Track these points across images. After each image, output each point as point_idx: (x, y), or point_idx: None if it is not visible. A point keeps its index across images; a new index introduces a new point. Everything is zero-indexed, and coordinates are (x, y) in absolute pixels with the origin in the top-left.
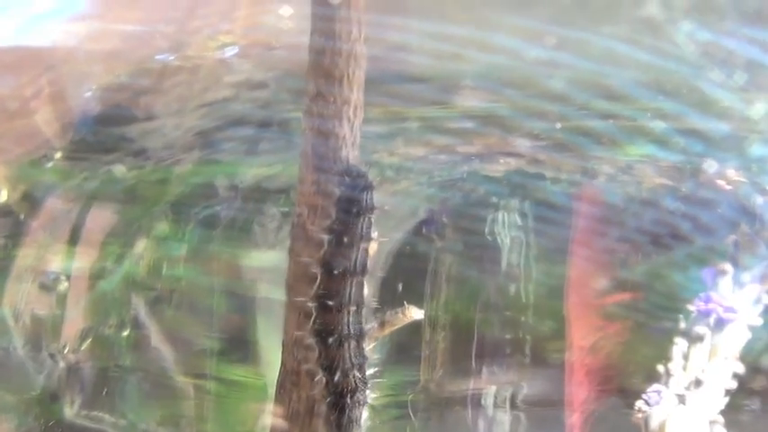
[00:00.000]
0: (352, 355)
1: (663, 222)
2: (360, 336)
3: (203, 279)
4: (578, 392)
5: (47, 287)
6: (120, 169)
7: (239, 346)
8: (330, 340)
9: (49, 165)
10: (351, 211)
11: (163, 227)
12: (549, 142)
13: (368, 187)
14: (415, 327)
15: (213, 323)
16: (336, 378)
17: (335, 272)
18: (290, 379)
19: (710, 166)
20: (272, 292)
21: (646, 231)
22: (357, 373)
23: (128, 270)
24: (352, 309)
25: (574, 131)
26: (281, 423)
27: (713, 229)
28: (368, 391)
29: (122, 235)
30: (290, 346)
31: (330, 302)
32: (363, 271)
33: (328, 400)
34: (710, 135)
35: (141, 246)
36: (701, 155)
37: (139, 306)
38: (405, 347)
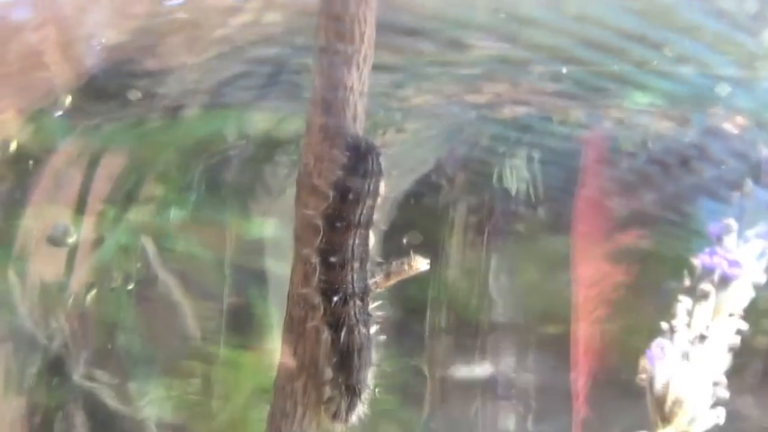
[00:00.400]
0: (357, 312)
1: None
2: (364, 292)
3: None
4: (585, 346)
5: (56, 240)
6: (134, 93)
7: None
8: (335, 298)
9: (59, 114)
10: (357, 176)
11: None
12: (557, 88)
13: (375, 156)
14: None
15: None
16: (342, 335)
17: (339, 225)
18: (296, 329)
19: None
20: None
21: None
22: (363, 329)
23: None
24: (356, 265)
25: (581, 76)
26: (288, 366)
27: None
28: (373, 350)
29: (129, 185)
30: (295, 297)
31: (333, 258)
32: (368, 225)
33: (335, 359)
34: (721, 75)
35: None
36: (709, 96)
37: (151, 256)
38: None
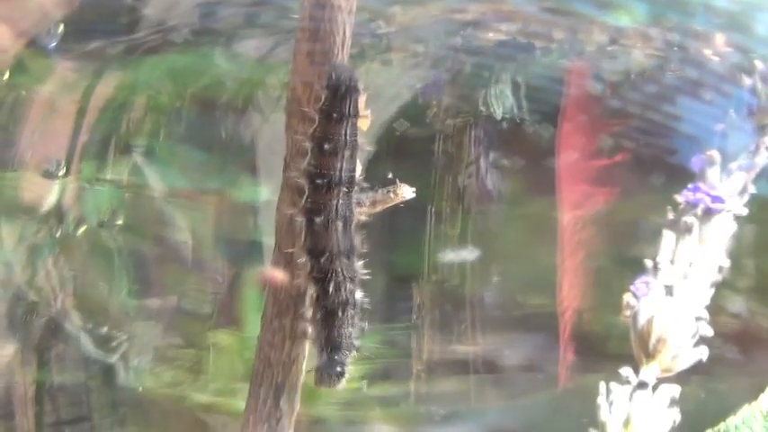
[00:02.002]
0: (344, 269)
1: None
2: (348, 219)
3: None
4: (570, 270)
5: (50, 174)
6: None
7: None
8: (318, 222)
9: (53, 45)
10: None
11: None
12: (540, 6)
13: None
14: None
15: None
16: (329, 290)
17: (326, 146)
18: (283, 259)
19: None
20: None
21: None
22: (350, 286)
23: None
24: (343, 189)
25: None
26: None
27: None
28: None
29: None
30: (283, 225)
31: (320, 181)
32: (353, 147)
33: (319, 315)
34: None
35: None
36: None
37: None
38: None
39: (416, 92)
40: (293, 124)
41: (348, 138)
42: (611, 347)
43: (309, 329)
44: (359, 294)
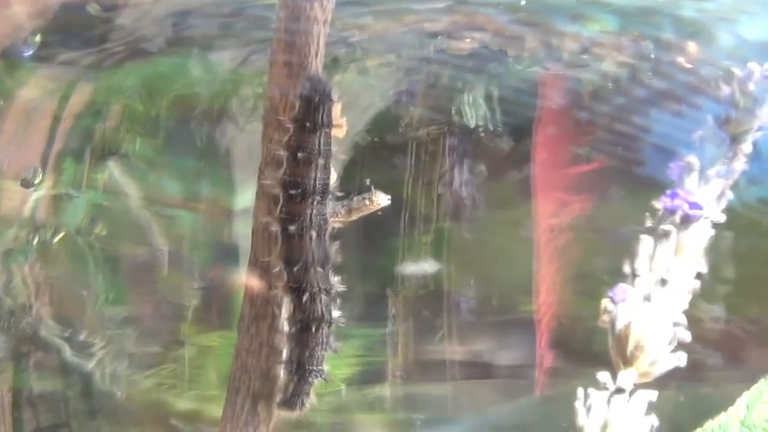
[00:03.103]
0: (319, 280)
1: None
2: (322, 228)
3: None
4: (547, 277)
5: (26, 182)
6: (93, 6)
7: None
8: (293, 231)
9: (29, 53)
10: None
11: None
12: (514, 17)
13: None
14: None
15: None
16: (304, 300)
17: (300, 156)
18: (260, 267)
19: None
20: None
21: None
22: (325, 298)
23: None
24: (317, 198)
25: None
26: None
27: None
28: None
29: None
30: (259, 233)
31: (294, 191)
32: (327, 156)
33: (294, 330)
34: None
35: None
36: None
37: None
38: None
39: (390, 100)
40: (270, 133)
41: (322, 147)
42: (589, 353)
43: (283, 350)
44: (335, 312)
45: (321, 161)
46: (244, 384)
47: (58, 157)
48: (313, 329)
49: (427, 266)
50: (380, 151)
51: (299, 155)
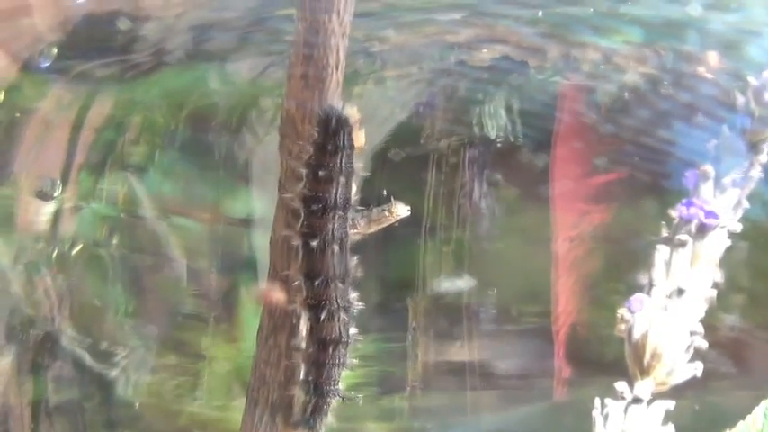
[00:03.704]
0: (339, 296)
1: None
2: (344, 242)
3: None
4: (565, 289)
5: (44, 195)
6: (124, 22)
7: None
8: (314, 246)
9: (47, 64)
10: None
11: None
12: (534, 30)
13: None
14: None
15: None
16: (322, 318)
17: (321, 174)
18: (279, 279)
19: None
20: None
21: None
22: (343, 316)
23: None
24: (339, 213)
25: (557, 18)
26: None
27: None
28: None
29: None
30: (278, 246)
31: (315, 206)
32: (349, 174)
33: (311, 349)
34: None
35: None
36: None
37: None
38: None
39: (411, 112)
40: (288, 145)
41: (343, 166)
42: (606, 363)
43: (301, 371)
44: (353, 330)
45: (342, 179)
46: (262, 396)
47: (78, 169)
48: (330, 350)
49: (448, 278)
50: (401, 163)
51: (321, 173)
